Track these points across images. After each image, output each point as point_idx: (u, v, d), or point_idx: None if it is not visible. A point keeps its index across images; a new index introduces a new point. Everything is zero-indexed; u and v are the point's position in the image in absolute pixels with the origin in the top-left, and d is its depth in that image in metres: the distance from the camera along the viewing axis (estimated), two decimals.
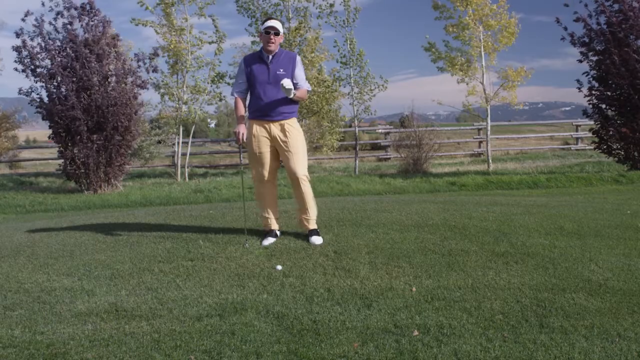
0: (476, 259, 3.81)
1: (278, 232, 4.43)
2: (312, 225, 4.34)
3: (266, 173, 4.29)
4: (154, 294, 3.26)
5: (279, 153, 4.28)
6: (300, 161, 4.19)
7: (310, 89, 4.44)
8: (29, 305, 3.17)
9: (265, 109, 4.15)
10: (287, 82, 4.00)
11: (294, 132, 4.21)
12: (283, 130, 4.19)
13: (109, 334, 2.71)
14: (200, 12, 13.11)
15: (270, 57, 4.17)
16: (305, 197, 4.25)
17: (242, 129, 4.15)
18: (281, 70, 4.14)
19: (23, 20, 11.04)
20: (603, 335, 2.60)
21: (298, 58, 4.29)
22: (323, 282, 3.39)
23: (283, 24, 4.42)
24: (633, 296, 3.10)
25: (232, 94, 4.32)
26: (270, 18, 4.29)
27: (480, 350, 2.46)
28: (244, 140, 4.18)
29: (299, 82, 4.22)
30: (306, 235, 4.32)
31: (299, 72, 4.23)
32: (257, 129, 4.22)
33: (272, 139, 4.22)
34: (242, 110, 4.27)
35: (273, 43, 4.13)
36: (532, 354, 2.42)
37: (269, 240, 4.28)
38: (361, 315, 2.88)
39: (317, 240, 4.23)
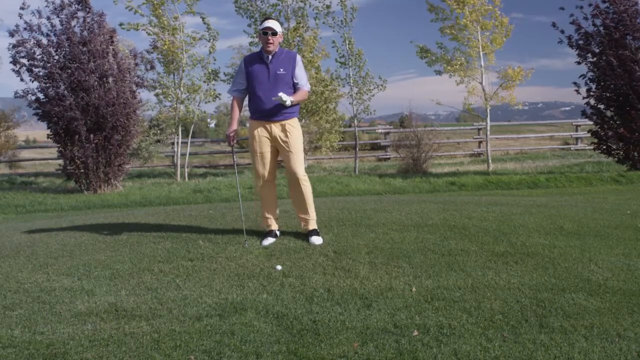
0: (476, 259, 3.81)
1: (278, 232, 4.43)
2: (312, 225, 4.34)
3: (267, 173, 4.29)
4: (154, 294, 3.26)
5: (280, 153, 4.28)
6: (300, 161, 4.20)
7: (309, 89, 4.44)
8: (28, 305, 3.17)
9: (266, 110, 4.14)
10: (282, 96, 3.96)
11: (295, 132, 4.21)
12: (284, 130, 4.19)
13: (109, 334, 2.71)
14: (190, 9, 12.96)
15: (270, 57, 4.16)
16: (306, 197, 4.25)
17: (233, 132, 4.16)
18: (281, 69, 4.14)
19: (20, 15, 10.87)
20: (603, 335, 2.60)
21: (298, 57, 4.27)
22: (323, 282, 3.39)
23: (282, 24, 4.40)
24: (633, 296, 3.11)
25: (229, 94, 4.32)
26: (268, 18, 4.28)
27: (480, 350, 2.46)
28: (235, 142, 4.20)
29: (299, 81, 4.21)
30: (306, 235, 4.32)
31: (299, 71, 4.22)
32: (258, 129, 4.22)
33: (273, 139, 4.21)
34: (237, 112, 4.28)
35: (272, 44, 4.12)
36: (531, 354, 2.42)
37: (269, 240, 4.28)
38: (361, 315, 2.88)
39: (316, 240, 4.23)
